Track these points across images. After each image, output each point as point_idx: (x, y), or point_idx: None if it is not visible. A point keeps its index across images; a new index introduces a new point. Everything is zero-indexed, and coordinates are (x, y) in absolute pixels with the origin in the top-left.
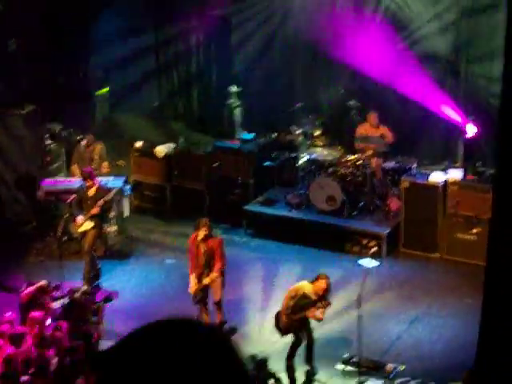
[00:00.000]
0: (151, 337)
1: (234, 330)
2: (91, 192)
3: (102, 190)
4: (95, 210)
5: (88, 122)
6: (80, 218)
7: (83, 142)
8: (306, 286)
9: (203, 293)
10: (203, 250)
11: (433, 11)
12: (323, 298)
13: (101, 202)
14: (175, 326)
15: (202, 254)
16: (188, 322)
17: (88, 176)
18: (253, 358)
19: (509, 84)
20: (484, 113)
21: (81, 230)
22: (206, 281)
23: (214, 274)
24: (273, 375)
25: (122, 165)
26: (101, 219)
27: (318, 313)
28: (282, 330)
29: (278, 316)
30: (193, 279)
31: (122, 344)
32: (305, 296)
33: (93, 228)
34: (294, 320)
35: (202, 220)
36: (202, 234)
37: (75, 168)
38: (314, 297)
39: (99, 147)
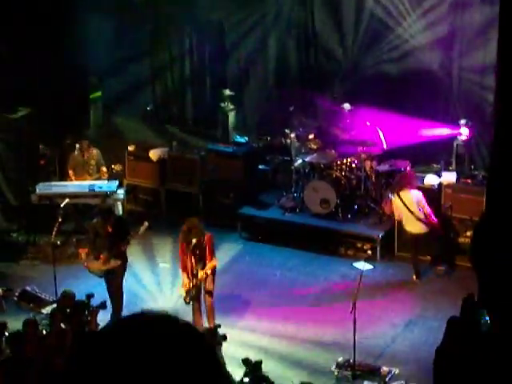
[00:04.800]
0: (123, 330)
1: (224, 338)
2: (109, 229)
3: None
4: (124, 247)
5: (81, 126)
6: (103, 256)
7: (78, 148)
8: None
9: (196, 291)
10: (193, 245)
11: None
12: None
13: (128, 238)
14: (147, 320)
15: (193, 251)
16: (161, 317)
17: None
18: (246, 361)
19: (502, 88)
20: (477, 115)
21: (105, 267)
22: (199, 275)
23: (208, 269)
24: (266, 378)
25: (119, 170)
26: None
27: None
28: None
29: None
30: (185, 277)
31: (93, 339)
32: None
33: (119, 266)
34: None
35: (191, 220)
36: (194, 239)
37: (71, 174)
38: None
39: (95, 152)
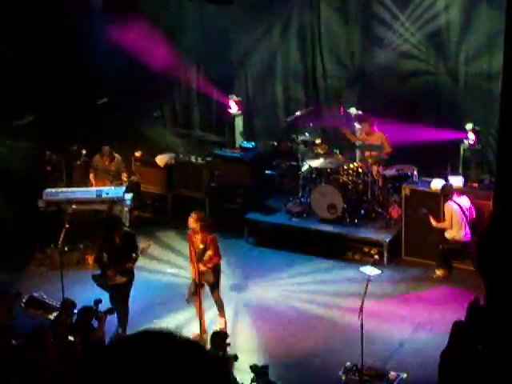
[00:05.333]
0: (127, 349)
1: (235, 358)
2: (117, 240)
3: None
4: (130, 264)
5: (88, 133)
6: (110, 272)
7: (100, 154)
8: None
9: (194, 286)
10: (198, 242)
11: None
12: None
13: (136, 255)
14: (151, 339)
15: (197, 246)
16: (164, 334)
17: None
18: (253, 367)
19: (509, 87)
20: (483, 119)
21: (111, 283)
22: (200, 267)
23: (207, 263)
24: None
25: (136, 179)
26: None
27: None
28: None
29: None
30: (192, 268)
31: (98, 357)
32: None
33: (126, 282)
34: None
35: (193, 212)
36: (190, 222)
37: (92, 178)
38: None
39: (117, 159)
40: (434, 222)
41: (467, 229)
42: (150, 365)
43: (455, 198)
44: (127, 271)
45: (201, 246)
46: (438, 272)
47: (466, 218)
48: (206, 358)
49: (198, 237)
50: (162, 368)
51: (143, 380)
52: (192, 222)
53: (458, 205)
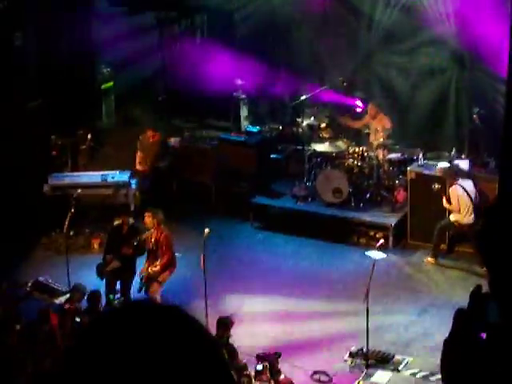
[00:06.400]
0: (115, 321)
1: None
2: (124, 230)
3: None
4: (129, 251)
5: (93, 117)
6: (109, 257)
7: (148, 134)
8: None
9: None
10: (153, 238)
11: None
12: None
13: (136, 243)
14: (139, 309)
15: (151, 243)
16: (162, 307)
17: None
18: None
19: None
20: (490, 103)
21: (108, 268)
22: (150, 270)
23: (157, 268)
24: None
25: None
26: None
27: None
28: None
29: None
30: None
31: (86, 333)
32: None
33: (125, 269)
34: None
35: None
36: (146, 220)
37: (139, 156)
38: None
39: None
40: (444, 202)
41: (471, 209)
42: (137, 333)
43: (460, 181)
44: (125, 257)
45: (152, 242)
46: (430, 259)
47: (473, 202)
48: (195, 328)
49: (154, 234)
50: (149, 339)
51: (131, 351)
52: (147, 219)
53: (464, 188)
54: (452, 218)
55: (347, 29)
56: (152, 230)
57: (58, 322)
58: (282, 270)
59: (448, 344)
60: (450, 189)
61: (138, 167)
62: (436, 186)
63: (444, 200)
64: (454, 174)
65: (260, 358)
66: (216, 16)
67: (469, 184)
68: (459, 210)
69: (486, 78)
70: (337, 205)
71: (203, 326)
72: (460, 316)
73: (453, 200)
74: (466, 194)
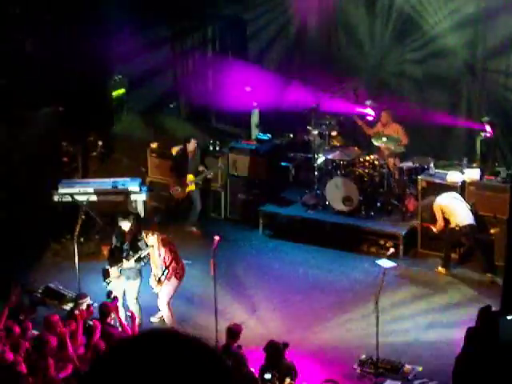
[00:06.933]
0: (133, 350)
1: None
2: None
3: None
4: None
5: (106, 124)
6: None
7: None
8: None
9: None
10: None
11: (449, 8)
12: None
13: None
14: (159, 339)
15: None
16: (170, 335)
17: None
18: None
19: None
20: (501, 111)
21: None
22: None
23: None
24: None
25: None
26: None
27: None
28: None
29: None
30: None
31: (106, 357)
32: None
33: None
34: None
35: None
36: (149, 240)
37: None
38: None
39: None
40: (434, 229)
41: (467, 211)
42: (153, 363)
43: (438, 197)
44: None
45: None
46: (441, 269)
47: (460, 202)
48: (209, 356)
49: (160, 251)
50: (164, 366)
51: (146, 377)
52: (150, 239)
53: (443, 197)
54: (452, 224)
55: (358, 38)
56: (152, 247)
57: (67, 329)
58: (291, 277)
59: (460, 362)
60: (433, 208)
61: (177, 192)
62: (426, 203)
63: (433, 228)
64: (429, 201)
65: (267, 348)
66: (230, 26)
67: (449, 193)
68: (451, 219)
69: (497, 87)
70: (347, 213)
71: (222, 359)
72: (470, 335)
73: (437, 215)
74: (449, 198)
